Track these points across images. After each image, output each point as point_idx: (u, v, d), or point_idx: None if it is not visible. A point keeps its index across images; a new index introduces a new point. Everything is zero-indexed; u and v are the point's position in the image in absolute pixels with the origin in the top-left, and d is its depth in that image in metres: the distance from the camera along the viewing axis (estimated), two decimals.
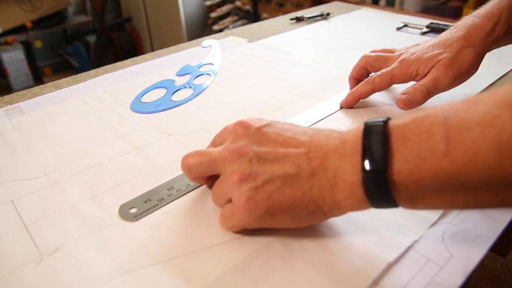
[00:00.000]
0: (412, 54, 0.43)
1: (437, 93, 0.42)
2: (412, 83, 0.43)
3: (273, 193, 0.27)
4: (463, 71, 0.41)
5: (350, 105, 0.46)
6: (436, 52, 0.42)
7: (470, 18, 0.43)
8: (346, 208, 0.26)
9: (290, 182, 0.26)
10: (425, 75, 0.42)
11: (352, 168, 0.25)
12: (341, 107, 0.46)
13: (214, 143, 0.33)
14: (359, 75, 0.48)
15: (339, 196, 0.26)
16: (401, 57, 0.44)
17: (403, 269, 0.26)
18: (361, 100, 0.46)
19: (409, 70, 0.43)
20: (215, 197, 0.30)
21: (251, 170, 0.27)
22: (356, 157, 0.25)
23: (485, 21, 0.42)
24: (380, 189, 0.24)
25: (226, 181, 0.28)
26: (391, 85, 0.44)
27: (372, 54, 0.47)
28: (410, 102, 0.41)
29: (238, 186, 0.27)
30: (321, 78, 0.54)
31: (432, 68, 0.42)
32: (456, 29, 0.43)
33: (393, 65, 0.44)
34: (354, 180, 0.25)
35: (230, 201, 0.29)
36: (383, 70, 0.44)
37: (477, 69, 0.42)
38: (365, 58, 0.47)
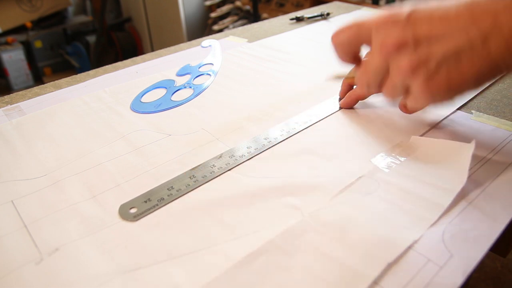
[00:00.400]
0: None
1: None
2: None
3: (451, 72, 0.26)
4: None
5: (349, 105, 0.46)
6: None
7: None
8: (509, 60, 0.25)
9: (465, 55, 0.25)
10: None
11: None
12: (340, 108, 0.46)
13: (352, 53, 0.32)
14: None
15: (497, 52, 0.25)
16: None
17: (403, 269, 0.26)
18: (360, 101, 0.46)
19: None
20: (391, 88, 0.29)
21: (419, 56, 0.26)
22: None
23: None
24: None
25: (395, 74, 0.27)
26: None
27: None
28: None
29: (412, 77, 0.26)
30: (321, 78, 0.54)
31: None
32: None
33: None
34: None
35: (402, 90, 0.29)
36: None
37: None
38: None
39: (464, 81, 0.26)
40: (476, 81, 0.26)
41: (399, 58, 0.27)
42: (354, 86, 0.48)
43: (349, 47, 0.31)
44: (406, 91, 0.28)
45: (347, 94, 0.46)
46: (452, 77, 0.26)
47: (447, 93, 0.27)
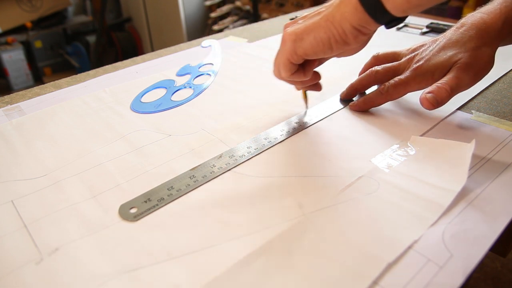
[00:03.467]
0: (426, 60, 0.42)
1: (459, 92, 0.41)
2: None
3: (300, 25, 0.37)
4: (482, 69, 0.40)
5: (361, 109, 0.45)
6: (450, 53, 0.41)
7: (478, 15, 0.42)
8: (349, 17, 0.34)
9: (314, 16, 0.37)
10: (441, 78, 0.41)
11: None
12: (343, 108, 0.46)
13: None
14: (364, 89, 0.48)
15: (343, 7, 0.34)
16: (414, 65, 0.43)
17: (403, 269, 0.26)
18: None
19: (424, 78, 0.42)
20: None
21: (293, 24, 0.38)
22: None
23: (494, 19, 0.41)
24: None
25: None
26: (405, 94, 0.44)
27: (380, 68, 0.46)
28: (436, 102, 0.40)
29: (284, 31, 0.38)
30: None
31: (449, 70, 0.41)
32: (464, 27, 0.42)
33: (406, 74, 0.43)
34: None
35: None
36: (397, 79, 0.43)
37: (492, 66, 0.41)
38: (374, 74, 0.46)
39: (306, 30, 0.36)
40: (314, 32, 0.36)
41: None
42: (367, 91, 0.48)
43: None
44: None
45: (362, 98, 0.45)
46: (299, 28, 0.37)
47: (295, 38, 0.37)
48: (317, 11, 0.37)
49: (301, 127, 0.43)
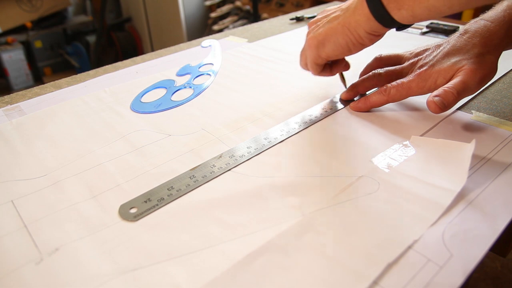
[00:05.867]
0: (430, 66, 0.42)
1: (465, 97, 0.41)
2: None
3: (320, 30, 0.42)
4: (487, 75, 0.41)
5: (361, 110, 0.45)
6: (454, 60, 0.41)
7: (482, 23, 0.42)
8: (363, 24, 0.39)
9: (332, 21, 0.41)
10: (443, 85, 0.41)
11: None
12: (342, 108, 0.46)
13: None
14: (365, 90, 0.48)
15: (357, 16, 0.39)
16: (417, 70, 0.43)
17: (403, 269, 0.26)
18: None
19: (427, 83, 0.42)
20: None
21: (314, 27, 0.44)
22: None
23: (498, 26, 0.41)
24: None
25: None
26: (406, 98, 0.44)
27: (382, 71, 0.46)
28: (443, 105, 0.40)
29: (307, 37, 0.44)
30: (321, 78, 0.54)
31: (451, 77, 0.41)
32: (468, 34, 0.42)
33: (409, 78, 0.43)
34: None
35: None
36: (399, 82, 0.43)
37: (496, 73, 0.42)
38: (377, 76, 0.46)
39: (326, 36, 0.42)
40: (333, 39, 0.41)
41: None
42: (367, 92, 0.48)
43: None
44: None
45: (363, 98, 0.45)
46: (320, 34, 0.42)
47: (317, 44, 0.43)
48: (335, 14, 0.42)
49: (300, 127, 0.43)
